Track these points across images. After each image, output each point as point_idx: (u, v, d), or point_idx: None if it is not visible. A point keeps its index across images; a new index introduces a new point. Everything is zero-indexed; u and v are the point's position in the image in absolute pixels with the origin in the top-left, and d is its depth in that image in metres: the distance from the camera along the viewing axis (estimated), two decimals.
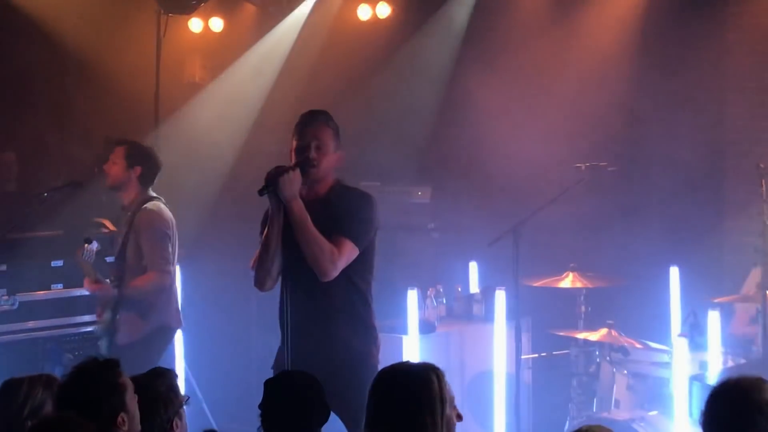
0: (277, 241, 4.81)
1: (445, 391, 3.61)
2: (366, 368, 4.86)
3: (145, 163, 6.53)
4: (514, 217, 6.56)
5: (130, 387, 3.79)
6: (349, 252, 4.88)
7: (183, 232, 6.72)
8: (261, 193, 4.73)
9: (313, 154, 4.93)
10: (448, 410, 3.58)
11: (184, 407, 4.04)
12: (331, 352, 4.92)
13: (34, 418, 4.04)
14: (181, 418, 3.84)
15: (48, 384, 4.13)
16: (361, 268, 5.00)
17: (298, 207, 4.77)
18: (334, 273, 4.85)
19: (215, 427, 7.47)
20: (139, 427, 3.80)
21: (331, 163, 5.01)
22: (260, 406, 3.78)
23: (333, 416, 4.72)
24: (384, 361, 4.90)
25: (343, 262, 4.86)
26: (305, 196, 4.99)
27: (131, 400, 3.77)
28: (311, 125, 4.98)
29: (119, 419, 3.68)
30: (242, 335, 8.73)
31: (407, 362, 3.85)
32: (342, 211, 4.93)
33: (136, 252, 6.40)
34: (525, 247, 6.42)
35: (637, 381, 6.57)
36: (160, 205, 6.52)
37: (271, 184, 4.70)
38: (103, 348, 6.50)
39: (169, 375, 4.07)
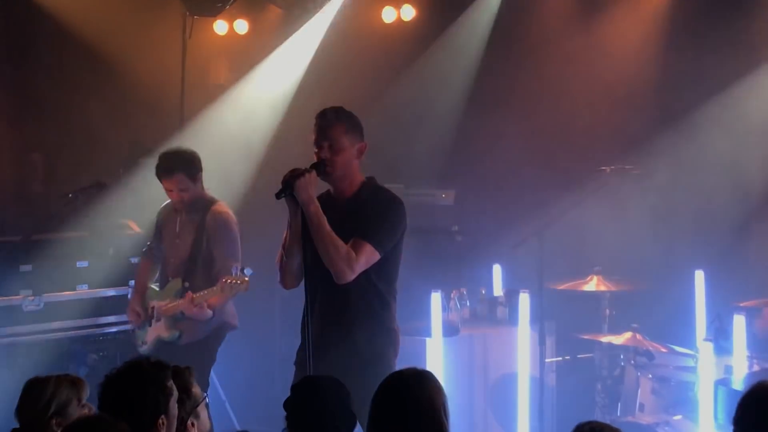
0: (297, 243, 4.81)
1: (445, 398, 3.71)
2: (381, 370, 4.83)
3: (199, 166, 6.48)
4: (539, 220, 6.55)
5: (176, 392, 3.80)
6: (369, 256, 4.87)
7: None
8: (278, 196, 4.76)
9: (326, 154, 4.94)
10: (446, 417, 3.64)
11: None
12: (348, 352, 4.92)
13: (59, 417, 4.07)
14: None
15: (73, 384, 4.15)
16: (384, 271, 4.99)
17: (315, 209, 4.78)
18: (351, 275, 4.85)
19: (238, 428, 7.51)
20: None
21: (347, 158, 4.98)
22: (286, 408, 3.77)
23: None
24: (407, 363, 4.89)
25: (361, 266, 4.85)
26: (333, 194, 5.01)
27: (173, 405, 3.78)
28: (322, 125, 4.99)
29: (159, 421, 3.69)
30: (266, 335, 8.73)
31: (410, 369, 3.89)
32: (366, 214, 4.92)
33: (208, 253, 6.42)
34: (549, 250, 6.41)
35: (662, 385, 6.54)
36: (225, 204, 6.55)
37: (288, 187, 4.72)
38: (150, 348, 6.47)
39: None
